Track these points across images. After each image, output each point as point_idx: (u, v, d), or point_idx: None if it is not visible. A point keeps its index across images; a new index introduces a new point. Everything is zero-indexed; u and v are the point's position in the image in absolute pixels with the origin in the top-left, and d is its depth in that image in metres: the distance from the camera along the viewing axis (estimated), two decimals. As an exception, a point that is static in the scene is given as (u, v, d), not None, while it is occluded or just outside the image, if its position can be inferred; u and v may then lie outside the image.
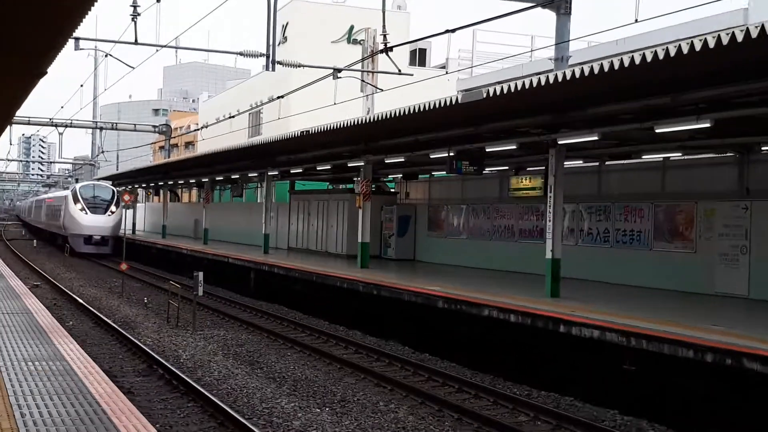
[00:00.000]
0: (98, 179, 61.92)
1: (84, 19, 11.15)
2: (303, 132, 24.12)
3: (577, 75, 13.93)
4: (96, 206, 50.49)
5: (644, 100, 15.42)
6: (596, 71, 13.52)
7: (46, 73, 15.24)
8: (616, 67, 13.11)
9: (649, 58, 12.49)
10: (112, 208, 50.74)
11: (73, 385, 11.40)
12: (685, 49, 11.84)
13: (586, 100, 16.43)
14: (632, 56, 12.82)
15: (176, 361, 17.51)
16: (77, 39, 24.54)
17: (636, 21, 15.18)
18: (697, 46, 11.66)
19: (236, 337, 20.57)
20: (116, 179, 61.00)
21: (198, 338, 20.44)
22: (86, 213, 49.91)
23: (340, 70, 23.33)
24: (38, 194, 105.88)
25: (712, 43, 11.45)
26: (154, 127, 60.38)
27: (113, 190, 52.43)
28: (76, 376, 12.01)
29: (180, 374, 15.47)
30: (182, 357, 18.00)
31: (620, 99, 15.85)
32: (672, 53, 12.08)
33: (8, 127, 30.25)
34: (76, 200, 50.62)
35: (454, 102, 17.01)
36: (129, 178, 57.81)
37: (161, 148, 62.09)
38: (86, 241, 50.09)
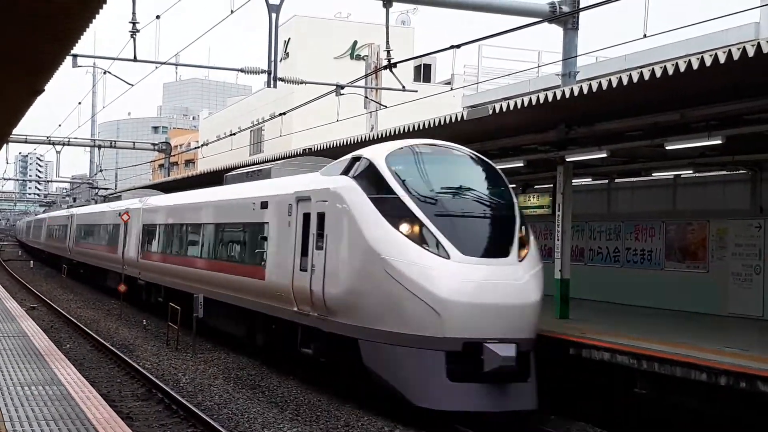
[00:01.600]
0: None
1: (82, 36, 10.92)
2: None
3: (585, 91, 13.78)
4: (483, 235, 14.76)
5: (653, 116, 15.25)
6: (604, 87, 13.38)
7: (44, 90, 15.01)
8: (625, 82, 12.99)
9: (658, 74, 12.33)
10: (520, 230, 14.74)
11: (70, 410, 11.27)
12: (695, 65, 11.70)
13: (594, 116, 16.24)
14: (641, 72, 12.69)
15: (176, 385, 17.16)
16: (75, 56, 24.30)
17: (645, 36, 14.94)
18: (708, 62, 11.50)
19: (237, 360, 20.19)
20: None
21: (198, 361, 20.07)
22: (462, 262, 13.78)
23: (343, 87, 23.10)
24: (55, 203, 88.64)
25: (722, 58, 11.29)
26: (154, 144, 60.16)
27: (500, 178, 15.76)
28: (74, 401, 11.85)
29: (180, 399, 15.15)
30: (182, 381, 17.66)
31: (629, 115, 15.66)
32: (682, 68, 11.91)
33: (4, 145, 29.97)
34: (397, 214, 14.31)
35: (459, 119, 16.79)
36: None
37: (161, 166, 61.86)
38: (459, 364, 13.51)
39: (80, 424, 10.49)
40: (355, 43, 54.81)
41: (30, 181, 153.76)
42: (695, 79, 12.36)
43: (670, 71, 12.13)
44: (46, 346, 17.33)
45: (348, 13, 59.37)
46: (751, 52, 10.86)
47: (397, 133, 18.48)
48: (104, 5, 9.37)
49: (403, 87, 22.11)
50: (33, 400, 11.83)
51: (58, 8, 9.34)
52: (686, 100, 14.43)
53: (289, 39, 54.71)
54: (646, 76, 12.55)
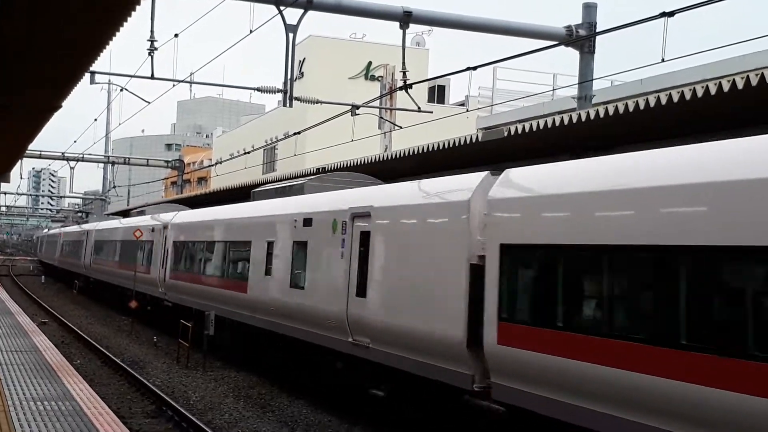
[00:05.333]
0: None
1: (101, 54, 10.99)
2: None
3: (602, 114, 13.70)
4: None
5: (671, 141, 15.11)
6: (621, 111, 13.29)
7: (61, 106, 15.10)
8: (642, 107, 12.87)
9: (675, 99, 12.26)
10: None
11: (82, 425, 11.29)
12: (713, 90, 11.60)
13: (611, 140, 16.14)
14: (658, 96, 12.59)
15: (186, 402, 17.14)
16: (93, 73, 24.39)
17: (663, 60, 14.87)
18: (725, 87, 11.42)
19: (247, 379, 20.14)
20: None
21: (208, 379, 20.04)
22: None
23: (358, 107, 23.09)
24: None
25: (740, 84, 11.20)
26: (167, 162, 60.32)
27: None
28: (86, 416, 11.86)
29: (190, 417, 15.12)
30: (192, 398, 17.62)
31: (646, 140, 15.54)
32: (699, 94, 11.84)
33: (19, 161, 30.11)
34: None
35: (473, 140, 16.75)
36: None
37: (173, 183, 62.03)
38: None
39: (92, 441, 10.49)
40: (370, 63, 55.04)
41: (43, 196, 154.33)
42: (712, 104, 12.30)
43: (688, 96, 12.08)
44: (58, 361, 17.35)
45: (363, 34, 59.66)
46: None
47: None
48: (124, 24, 9.45)
49: (419, 108, 22.10)
50: (45, 415, 11.83)
51: (79, 28, 9.42)
52: (703, 126, 14.35)
53: (304, 59, 54.90)
54: (663, 101, 12.50)
